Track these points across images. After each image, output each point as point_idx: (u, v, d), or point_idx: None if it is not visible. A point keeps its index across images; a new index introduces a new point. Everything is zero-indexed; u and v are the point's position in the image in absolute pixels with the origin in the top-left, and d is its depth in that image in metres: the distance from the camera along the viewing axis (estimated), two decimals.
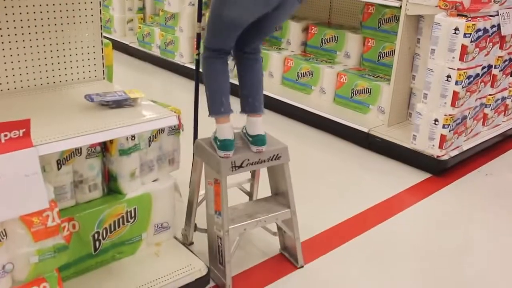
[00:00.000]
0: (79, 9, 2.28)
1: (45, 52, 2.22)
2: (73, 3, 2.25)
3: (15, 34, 2.12)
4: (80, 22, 2.30)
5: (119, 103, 1.93)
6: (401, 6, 3.68)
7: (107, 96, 1.94)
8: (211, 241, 2.48)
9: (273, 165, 2.48)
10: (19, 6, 2.09)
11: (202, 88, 2.49)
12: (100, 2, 2.36)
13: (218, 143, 2.34)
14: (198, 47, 2.53)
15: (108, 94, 1.98)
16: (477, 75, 3.52)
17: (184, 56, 5.50)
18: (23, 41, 2.15)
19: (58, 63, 2.28)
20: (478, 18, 3.36)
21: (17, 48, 2.14)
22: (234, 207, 2.52)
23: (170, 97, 4.98)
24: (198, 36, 2.52)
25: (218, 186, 2.34)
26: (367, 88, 4.10)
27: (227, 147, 2.32)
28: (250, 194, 2.77)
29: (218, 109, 2.34)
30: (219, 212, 2.36)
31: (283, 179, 2.51)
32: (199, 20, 2.52)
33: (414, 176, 3.60)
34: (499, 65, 3.89)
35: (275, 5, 2.19)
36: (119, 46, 6.43)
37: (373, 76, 4.19)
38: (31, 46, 2.18)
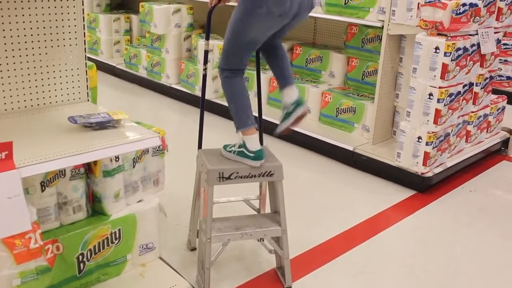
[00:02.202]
0: (63, 32, 2.29)
1: (29, 74, 2.23)
2: (57, 26, 2.27)
3: None
4: (64, 45, 2.32)
5: (103, 125, 1.94)
6: (383, 26, 3.75)
7: (90, 118, 1.95)
8: (200, 246, 2.54)
9: (264, 181, 2.52)
10: (3, 30, 2.11)
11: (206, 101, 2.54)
12: (84, 25, 2.38)
13: (251, 154, 2.44)
14: (206, 62, 2.61)
15: (92, 116, 1.99)
16: (459, 92, 3.58)
17: (171, 77, 5.53)
18: (7, 64, 2.16)
19: (42, 85, 2.29)
20: (458, 37, 3.43)
21: (1, 71, 2.15)
22: (227, 218, 2.57)
23: (156, 118, 5.01)
24: (206, 53, 2.60)
25: (206, 194, 2.41)
26: (351, 107, 4.14)
27: (261, 156, 2.45)
28: (258, 211, 2.82)
29: (245, 122, 2.46)
30: (205, 219, 2.43)
31: (276, 197, 2.54)
32: (207, 38, 2.60)
33: (399, 193, 3.63)
34: (480, 82, 3.95)
35: (292, 16, 2.36)
36: (106, 68, 6.46)
37: (358, 95, 4.24)
38: (14, 69, 2.19)
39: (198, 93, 5.12)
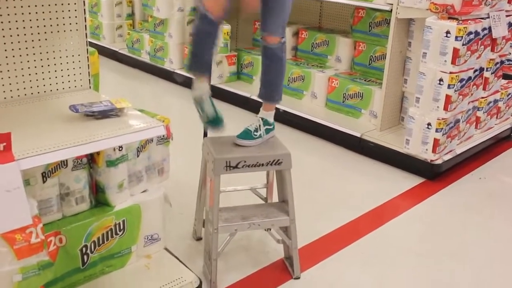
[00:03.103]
0: (63, 17, 2.21)
1: (28, 62, 2.16)
2: (56, 11, 2.18)
3: None
4: (64, 30, 2.24)
5: (105, 114, 1.87)
6: (391, 10, 3.65)
7: (92, 107, 1.88)
8: (206, 236, 2.49)
9: (272, 170, 2.47)
10: (0, 15, 2.04)
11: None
12: (84, 9, 2.30)
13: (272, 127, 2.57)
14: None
15: (94, 104, 1.92)
16: (469, 78, 3.49)
17: (174, 62, 5.44)
18: (5, 50, 2.08)
19: (42, 72, 2.21)
20: (469, 21, 3.33)
21: None
22: (234, 207, 2.52)
23: (160, 105, 4.94)
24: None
25: (212, 183, 2.35)
26: (359, 92, 4.06)
27: None
28: (265, 200, 2.77)
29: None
30: (212, 208, 2.37)
31: (284, 186, 2.48)
32: None
33: (408, 181, 3.56)
34: (491, 67, 3.86)
35: None
36: (108, 53, 6.37)
37: (365, 80, 4.15)
38: (13, 56, 2.12)
39: None
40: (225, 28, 4.92)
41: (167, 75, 5.55)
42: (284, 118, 4.34)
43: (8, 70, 2.11)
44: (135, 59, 6.04)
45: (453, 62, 3.28)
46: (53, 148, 1.64)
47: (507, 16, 3.76)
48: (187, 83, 3.32)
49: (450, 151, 3.62)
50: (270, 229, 2.60)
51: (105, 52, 6.37)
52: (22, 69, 2.15)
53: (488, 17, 3.56)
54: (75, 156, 1.85)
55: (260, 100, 2.61)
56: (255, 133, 2.46)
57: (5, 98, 2.13)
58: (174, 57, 5.43)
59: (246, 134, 2.46)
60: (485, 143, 4.03)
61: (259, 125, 2.47)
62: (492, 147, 4.17)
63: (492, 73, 3.91)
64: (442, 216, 3.18)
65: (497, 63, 3.94)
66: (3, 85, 2.11)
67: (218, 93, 4.72)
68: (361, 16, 4.22)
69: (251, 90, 4.58)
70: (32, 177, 1.94)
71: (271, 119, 2.55)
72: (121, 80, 5.78)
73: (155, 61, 5.68)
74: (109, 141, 1.74)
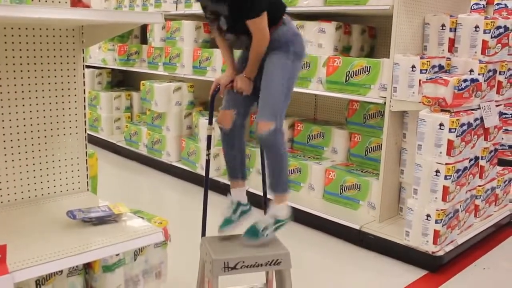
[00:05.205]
0: (63, 121, 2.26)
1: (27, 165, 2.17)
2: (57, 116, 2.23)
3: None
4: (64, 134, 2.28)
5: (102, 220, 1.85)
6: (385, 103, 3.73)
7: (90, 213, 1.87)
8: None
9: (271, 270, 2.40)
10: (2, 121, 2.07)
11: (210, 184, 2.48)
12: (84, 113, 2.34)
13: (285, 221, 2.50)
14: (209, 147, 2.56)
15: (92, 209, 1.91)
16: (465, 168, 3.51)
17: (171, 155, 5.49)
18: (5, 155, 2.10)
19: (41, 176, 2.22)
20: (461, 113, 3.40)
21: None
22: None
23: (158, 200, 4.91)
24: (209, 138, 2.56)
25: (210, 285, 2.28)
26: (356, 184, 4.07)
27: None
28: None
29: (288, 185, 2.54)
30: None
31: (283, 285, 2.41)
32: (210, 122, 2.57)
33: (410, 274, 3.48)
34: (486, 156, 3.91)
35: None
36: (106, 145, 6.44)
37: (362, 171, 4.17)
38: (13, 160, 2.13)
39: (199, 171, 5.06)
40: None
41: (164, 168, 5.58)
42: None
43: (7, 174, 2.12)
44: (132, 152, 6.10)
45: (448, 154, 3.31)
46: (48, 259, 1.61)
47: (497, 106, 3.85)
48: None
49: (451, 241, 3.58)
50: None
51: (102, 144, 6.43)
52: (20, 172, 2.16)
53: (479, 108, 3.64)
54: (71, 266, 1.80)
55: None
56: (263, 232, 2.41)
57: (1, 202, 2.12)
58: (171, 150, 5.48)
59: (253, 233, 2.41)
60: (486, 231, 3.98)
61: (269, 224, 2.43)
62: (493, 235, 4.12)
63: (487, 161, 3.95)
64: None
65: (491, 151, 3.99)
66: (0, 189, 2.11)
67: (215, 186, 4.74)
68: (356, 108, 4.31)
69: (248, 182, 4.58)
70: (25, 286, 1.89)
71: (282, 214, 2.49)
72: (119, 173, 5.80)
73: (153, 154, 5.72)
74: (106, 250, 1.71)
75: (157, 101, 5.49)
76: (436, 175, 3.34)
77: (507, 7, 5.53)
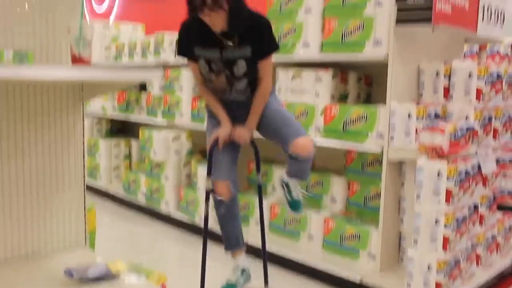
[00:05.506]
0: (62, 175, 2.26)
1: (26, 220, 2.16)
2: (56, 169, 2.23)
3: None
4: (63, 188, 2.28)
5: (100, 279, 1.83)
6: (383, 152, 3.75)
7: (87, 271, 1.85)
8: None
9: None
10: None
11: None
12: (84, 167, 2.35)
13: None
14: (208, 199, 2.58)
15: (89, 267, 1.89)
16: (465, 216, 3.50)
17: (170, 204, 5.46)
18: (2, 210, 2.09)
19: (39, 231, 2.21)
20: (458, 160, 3.42)
21: None
22: None
23: (156, 252, 4.83)
24: (208, 193, 2.60)
25: None
26: (355, 234, 4.03)
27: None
28: None
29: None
30: None
31: None
32: (209, 174, 2.61)
33: None
34: (485, 203, 3.90)
35: None
36: (104, 194, 6.42)
37: (361, 221, 4.14)
38: (10, 215, 2.12)
39: (198, 221, 5.02)
40: None
41: (163, 217, 5.54)
42: (280, 261, 4.27)
43: (4, 230, 2.10)
44: (131, 200, 6.07)
45: (447, 202, 3.31)
46: None
47: (494, 151, 3.87)
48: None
49: None
50: None
51: (101, 193, 6.41)
52: (18, 227, 2.15)
53: (476, 154, 3.66)
54: None
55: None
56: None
57: None
58: (170, 199, 5.47)
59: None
60: (489, 282, 3.92)
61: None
62: (497, 285, 4.06)
63: (486, 208, 3.93)
64: None
65: (490, 198, 3.98)
66: None
67: (212, 236, 4.67)
68: (354, 157, 4.32)
69: (247, 231, 4.55)
70: None
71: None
72: (117, 222, 5.75)
73: (151, 203, 5.70)
74: None
75: (155, 149, 5.51)
76: (436, 224, 3.33)
77: (499, 52, 5.62)
